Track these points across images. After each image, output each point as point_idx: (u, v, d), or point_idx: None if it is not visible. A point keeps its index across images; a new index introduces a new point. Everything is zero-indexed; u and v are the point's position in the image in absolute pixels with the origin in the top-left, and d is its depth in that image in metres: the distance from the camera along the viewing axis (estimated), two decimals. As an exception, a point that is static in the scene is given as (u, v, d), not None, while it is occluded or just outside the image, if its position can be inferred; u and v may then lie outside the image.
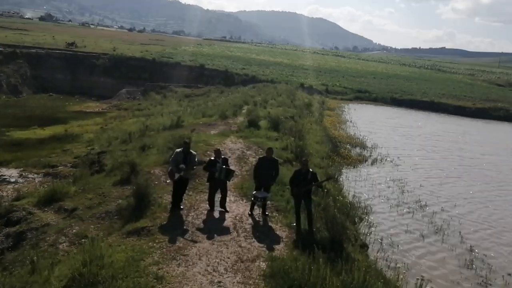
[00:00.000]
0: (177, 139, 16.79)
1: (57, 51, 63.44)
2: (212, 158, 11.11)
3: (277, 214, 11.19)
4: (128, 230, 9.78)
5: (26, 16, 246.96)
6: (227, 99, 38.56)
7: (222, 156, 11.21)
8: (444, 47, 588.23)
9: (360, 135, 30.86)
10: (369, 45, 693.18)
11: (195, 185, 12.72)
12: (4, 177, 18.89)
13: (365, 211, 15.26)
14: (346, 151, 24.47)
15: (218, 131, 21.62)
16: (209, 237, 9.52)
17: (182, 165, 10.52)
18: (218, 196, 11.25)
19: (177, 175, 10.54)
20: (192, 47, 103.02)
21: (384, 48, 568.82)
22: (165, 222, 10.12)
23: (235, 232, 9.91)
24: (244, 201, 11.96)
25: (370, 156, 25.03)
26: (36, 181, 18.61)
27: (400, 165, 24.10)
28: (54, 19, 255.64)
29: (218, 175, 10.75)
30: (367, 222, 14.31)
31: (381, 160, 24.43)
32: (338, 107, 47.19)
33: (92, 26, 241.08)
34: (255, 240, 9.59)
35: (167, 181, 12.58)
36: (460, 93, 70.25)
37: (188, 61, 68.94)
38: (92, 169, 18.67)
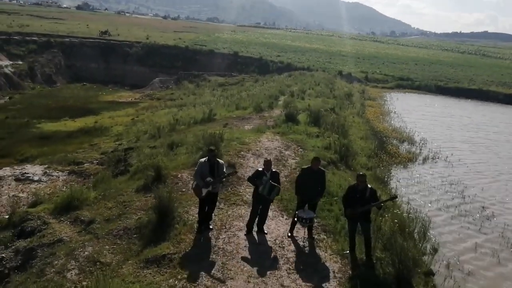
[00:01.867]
0: (207, 137, 15.21)
1: (91, 40, 63.16)
2: (260, 169, 9.23)
3: (325, 237, 9.24)
4: (147, 257, 8.14)
5: (64, 5, 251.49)
6: (262, 89, 36.63)
7: (273, 169, 9.23)
8: (487, 31, 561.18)
9: (406, 127, 28.29)
10: (407, 29, 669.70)
11: (226, 195, 10.93)
12: (28, 175, 18.00)
13: (423, 223, 13.06)
14: (393, 148, 22.02)
15: (252, 126, 19.79)
16: (243, 271, 7.70)
17: (209, 178, 8.72)
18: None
19: (204, 191, 8.74)
20: (226, 34, 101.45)
21: (423, 33, 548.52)
22: (190, 248, 8.37)
23: (275, 264, 8.05)
24: (285, 217, 10.07)
25: (420, 153, 22.52)
26: (60, 180, 17.72)
27: (455, 163, 21.54)
28: (90, 7, 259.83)
29: (261, 190, 8.85)
30: (428, 238, 12.15)
31: (433, 158, 21.93)
32: (379, 97, 44.33)
33: (127, 14, 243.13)
34: (300, 276, 7.70)
35: (196, 188, 10.87)
36: (510, 80, 65.70)
37: (221, 49, 67.28)
38: (117, 168, 17.46)
